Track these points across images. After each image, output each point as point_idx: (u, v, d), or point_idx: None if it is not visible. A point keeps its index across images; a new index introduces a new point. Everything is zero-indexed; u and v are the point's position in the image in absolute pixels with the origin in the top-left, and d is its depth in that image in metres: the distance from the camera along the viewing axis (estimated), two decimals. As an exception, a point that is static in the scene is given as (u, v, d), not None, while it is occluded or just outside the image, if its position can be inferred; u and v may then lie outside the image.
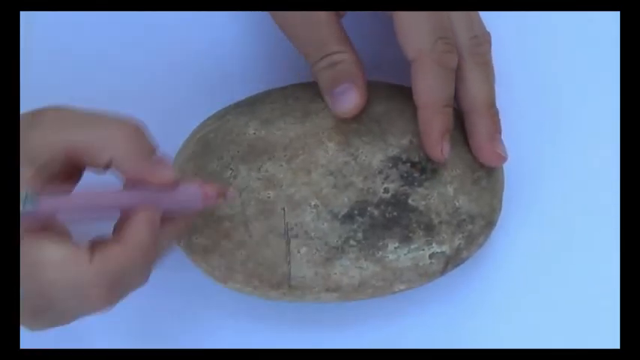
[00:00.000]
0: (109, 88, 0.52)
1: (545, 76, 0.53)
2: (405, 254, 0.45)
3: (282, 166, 0.46)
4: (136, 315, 0.51)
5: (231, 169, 0.46)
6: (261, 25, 0.54)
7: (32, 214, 0.38)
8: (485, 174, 0.47)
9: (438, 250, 0.45)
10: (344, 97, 0.46)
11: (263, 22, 0.53)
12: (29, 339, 0.50)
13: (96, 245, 0.39)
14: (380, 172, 0.46)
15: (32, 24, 0.53)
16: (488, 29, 0.48)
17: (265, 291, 0.45)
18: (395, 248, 0.45)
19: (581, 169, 0.52)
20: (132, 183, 0.40)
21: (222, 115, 0.49)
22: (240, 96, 0.50)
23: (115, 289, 0.39)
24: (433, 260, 0.45)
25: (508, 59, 0.52)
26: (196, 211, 0.42)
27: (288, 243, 0.45)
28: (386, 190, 0.45)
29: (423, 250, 0.45)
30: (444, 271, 0.46)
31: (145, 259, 0.40)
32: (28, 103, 0.41)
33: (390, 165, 0.46)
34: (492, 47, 0.48)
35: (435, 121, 0.44)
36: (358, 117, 0.46)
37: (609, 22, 0.53)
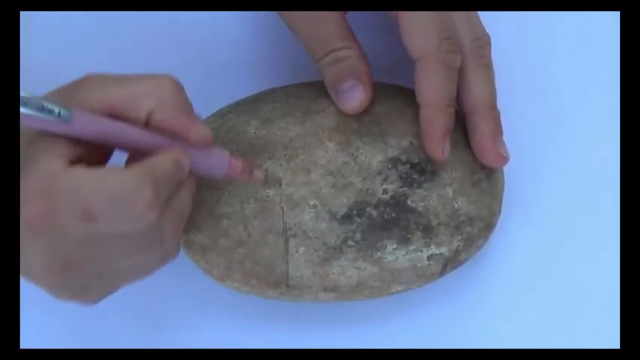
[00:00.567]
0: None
1: (545, 77, 0.53)
2: (403, 255, 0.45)
3: (281, 165, 0.46)
4: (135, 315, 0.51)
5: (230, 168, 0.46)
6: (263, 24, 0.54)
7: (66, 122, 0.38)
8: (485, 176, 0.47)
9: (437, 252, 0.45)
10: (349, 94, 0.46)
11: (265, 21, 0.53)
12: (29, 339, 0.50)
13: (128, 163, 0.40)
14: (379, 173, 0.46)
15: (32, 24, 0.53)
16: (488, 29, 0.48)
17: (263, 290, 0.46)
18: (393, 249, 0.45)
19: (581, 169, 0.52)
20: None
21: (223, 113, 0.49)
22: (242, 95, 0.50)
23: (158, 192, 0.38)
24: (431, 262, 0.45)
25: (508, 59, 0.52)
26: (219, 177, 0.43)
27: (286, 242, 0.45)
28: (385, 191, 0.45)
29: (422, 251, 0.45)
30: (442, 272, 0.46)
31: (174, 176, 0.40)
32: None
33: (390, 166, 0.46)
34: (492, 48, 0.48)
35: (437, 120, 0.44)
36: (359, 117, 0.47)
37: (609, 22, 0.53)
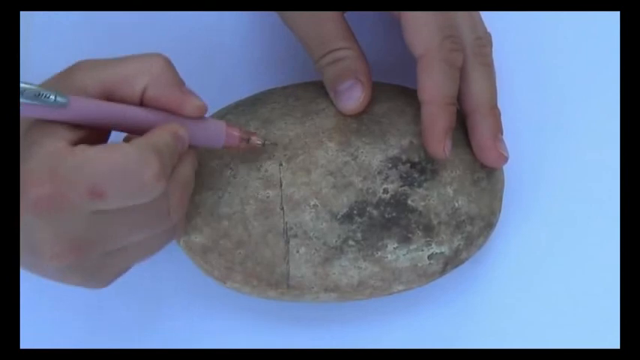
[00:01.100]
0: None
1: (545, 76, 0.53)
2: (404, 255, 0.45)
3: (282, 165, 0.46)
4: (136, 315, 0.51)
5: (230, 168, 0.46)
6: (263, 24, 0.54)
7: (63, 107, 0.38)
8: (485, 175, 0.47)
9: (437, 251, 0.45)
10: (348, 94, 0.46)
11: (265, 21, 0.53)
12: (29, 339, 0.50)
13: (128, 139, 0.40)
14: (379, 173, 0.46)
15: (32, 24, 0.53)
16: (488, 29, 0.48)
17: (264, 290, 0.46)
18: (394, 249, 0.45)
19: (581, 168, 0.52)
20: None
21: (223, 114, 0.49)
22: (241, 95, 0.50)
23: (163, 163, 0.39)
24: (432, 261, 0.45)
25: (508, 59, 0.52)
26: (218, 148, 0.44)
27: (287, 243, 0.45)
28: (385, 191, 0.45)
29: (422, 250, 0.45)
30: (443, 271, 0.46)
31: (175, 149, 0.40)
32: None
33: (390, 165, 0.46)
34: (493, 47, 0.48)
35: (439, 118, 0.44)
36: (359, 117, 0.47)
37: (609, 22, 0.53)
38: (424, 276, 0.46)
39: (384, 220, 0.45)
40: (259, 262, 0.45)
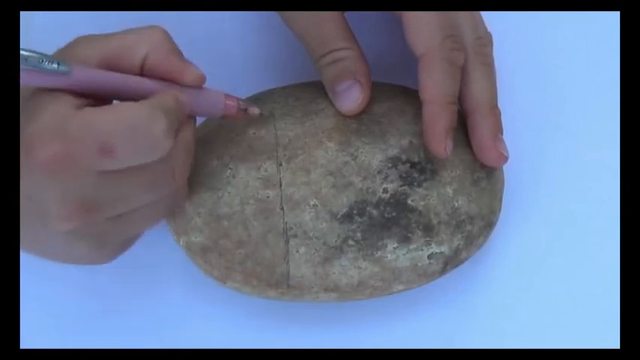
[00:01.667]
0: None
1: (545, 76, 0.53)
2: (404, 254, 0.45)
3: (281, 165, 0.46)
4: (136, 315, 0.51)
5: (230, 168, 0.46)
6: (263, 24, 0.54)
7: (66, 74, 0.39)
8: (485, 175, 0.47)
9: (437, 251, 0.45)
10: (346, 95, 0.46)
11: (265, 21, 0.53)
12: (29, 339, 0.50)
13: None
14: (379, 172, 0.46)
15: (32, 24, 0.53)
16: (489, 29, 0.48)
17: (264, 290, 0.46)
18: (394, 248, 0.45)
19: (581, 168, 0.52)
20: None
21: (222, 114, 0.49)
22: (241, 95, 0.50)
23: (170, 120, 0.39)
24: (432, 261, 0.45)
25: (508, 59, 0.52)
26: (216, 116, 0.44)
27: (287, 243, 0.45)
28: (385, 191, 0.45)
29: (422, 250, 0.45)
30: (443, 271, 0.46)
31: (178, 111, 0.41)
32: (27, 103, 0.41)
33: (390, 165, 0.46)
34: (493, 47, 0.48)
35: (440, 117, 0.44)
36: (358, 117, 0.47)
37: (609, 22, 0.53)
38: (424, 276, 0.46)
39: (384, 220, 0.45)
40: (259, 262, 0.45)
